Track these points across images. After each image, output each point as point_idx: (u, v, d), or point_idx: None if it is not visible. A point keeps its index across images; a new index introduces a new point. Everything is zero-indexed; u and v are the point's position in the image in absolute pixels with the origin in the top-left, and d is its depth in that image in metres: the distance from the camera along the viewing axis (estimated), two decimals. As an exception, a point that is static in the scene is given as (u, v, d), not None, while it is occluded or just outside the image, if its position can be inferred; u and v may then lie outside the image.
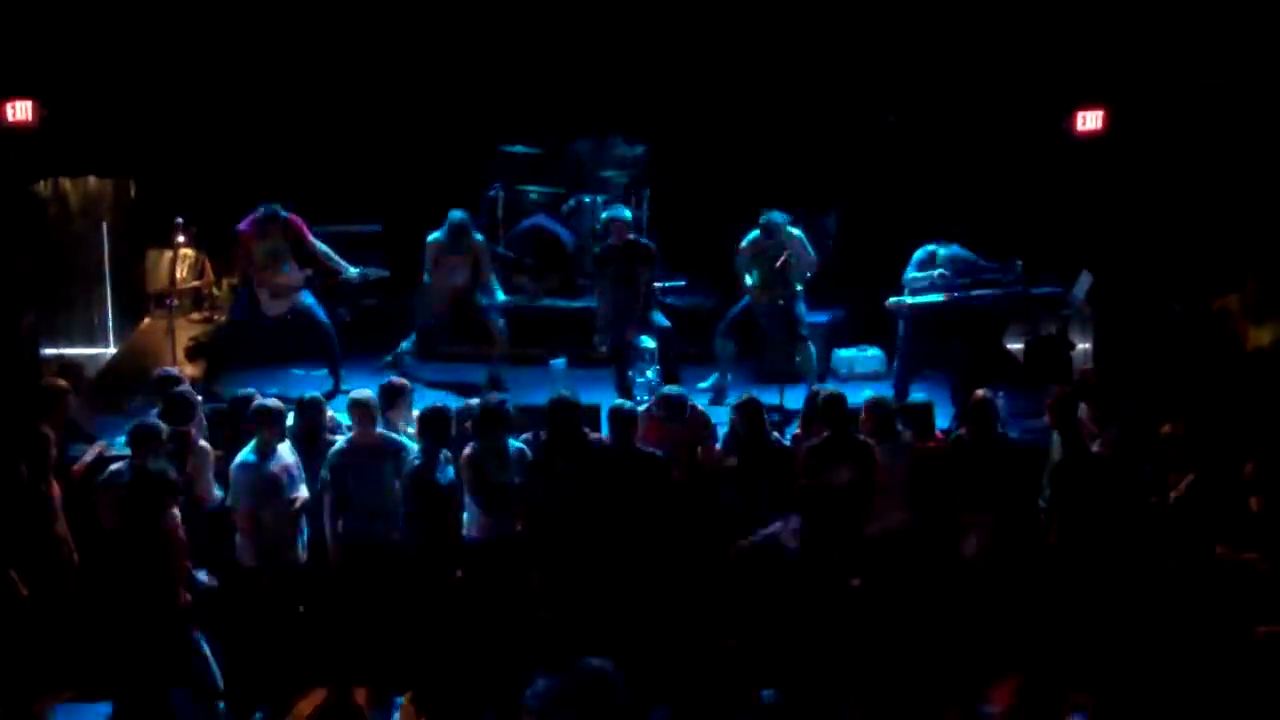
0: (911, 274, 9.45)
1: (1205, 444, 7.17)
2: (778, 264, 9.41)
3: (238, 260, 9.70)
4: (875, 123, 12.04)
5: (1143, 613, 7.19)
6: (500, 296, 10.03)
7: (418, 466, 7.42)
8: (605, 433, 7.84)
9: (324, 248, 9.77)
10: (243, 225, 9.58)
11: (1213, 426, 7.39)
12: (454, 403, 8.25)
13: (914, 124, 11.87)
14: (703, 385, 9.73)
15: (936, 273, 9.38)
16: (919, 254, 9.54)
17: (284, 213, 9.52)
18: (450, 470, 7.48)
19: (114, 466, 7.30)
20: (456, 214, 9.78)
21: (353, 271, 9.76)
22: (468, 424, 7.74)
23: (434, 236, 9.83)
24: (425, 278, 9.92)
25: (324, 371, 9.83)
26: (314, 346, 9.89)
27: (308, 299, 9.69)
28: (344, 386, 9.42)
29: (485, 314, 9.94)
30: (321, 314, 9.78)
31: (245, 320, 9.75)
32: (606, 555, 7.46)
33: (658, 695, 6.94)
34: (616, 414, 7.68)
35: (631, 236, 9.60)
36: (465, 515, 7.57)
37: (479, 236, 9.92)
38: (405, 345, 10.09)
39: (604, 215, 9.79)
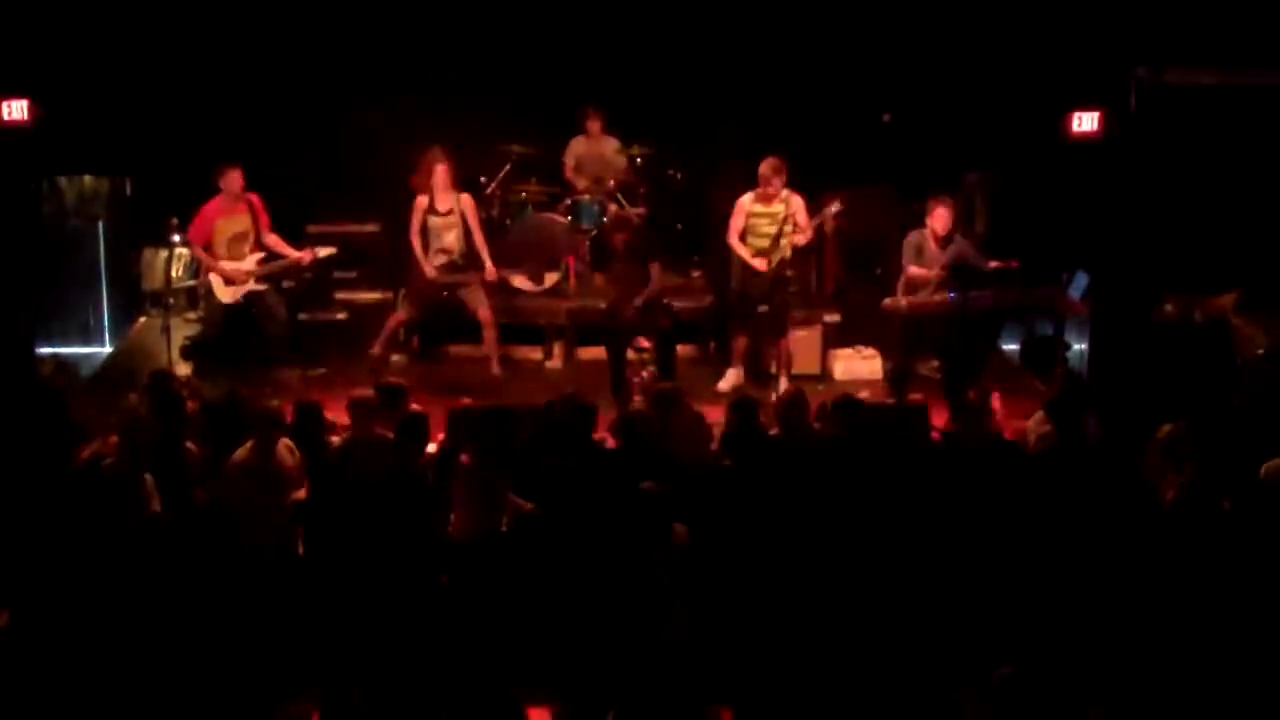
0: (914, 269, 9.42)
1: (1203, 444, 7.18)
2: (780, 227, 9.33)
3: (197, 240, 9.63)
4: (871, 122, 12.07)
5: (1139, 613, 7.19)
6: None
7: (394, 473, 7.37)
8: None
9: (273, 236, 9.76)
10: (209, 204, 9.57)
11: (1210, 427, 7.39)
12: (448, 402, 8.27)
13: (910, 123, 11.89)
14: (723, 385, 9.70)
15: (935, 271, 9.35)
16: (913, 237, 9.53)
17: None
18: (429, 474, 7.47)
19: None
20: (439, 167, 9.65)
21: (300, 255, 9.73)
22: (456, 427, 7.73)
23: (420, 197, 9.73)
24: (414, 241, 9.78)
25: (321, 370, 9.82)
26: (276, 341, 9.82)
27: (263, 287, 9.65)
28: (335, 384, 9.41)
29: (476, 297, 9.81)
30: (278, 305, 9.73)
31: (210, 315, 9.73)
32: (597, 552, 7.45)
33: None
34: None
35: (646, 235, 9.52)
36: (452, 516, 7.56)
37: (466, 195, 9.82)
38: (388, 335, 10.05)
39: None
